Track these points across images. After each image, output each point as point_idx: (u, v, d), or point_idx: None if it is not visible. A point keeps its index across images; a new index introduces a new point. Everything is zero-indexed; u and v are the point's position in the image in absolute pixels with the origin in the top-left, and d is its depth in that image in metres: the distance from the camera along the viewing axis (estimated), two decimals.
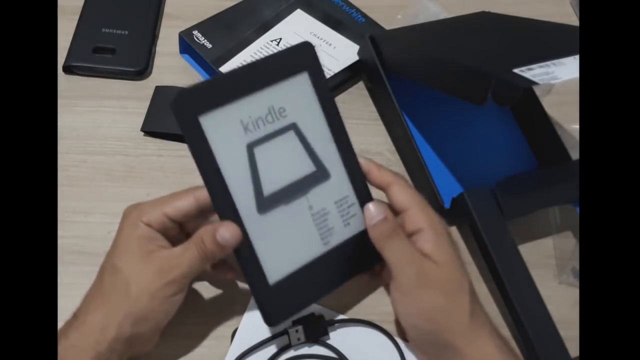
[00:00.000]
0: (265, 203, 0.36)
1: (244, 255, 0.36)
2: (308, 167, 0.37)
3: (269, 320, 0.37)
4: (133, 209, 0.38)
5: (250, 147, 0.35)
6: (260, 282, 0.36)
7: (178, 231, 0.38)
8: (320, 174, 0.38)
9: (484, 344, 0.36)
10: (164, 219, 0.37)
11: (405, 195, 0.38)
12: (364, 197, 0.39)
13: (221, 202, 0.35)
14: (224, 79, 0.37)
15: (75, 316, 0.36)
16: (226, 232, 0.35)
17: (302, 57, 0.37)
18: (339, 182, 0.38)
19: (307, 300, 0.39)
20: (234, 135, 0.35)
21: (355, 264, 0.39)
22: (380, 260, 0.37)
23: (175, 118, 0.34)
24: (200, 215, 0.38)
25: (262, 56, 0.54)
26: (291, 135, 0.37)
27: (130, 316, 0.35)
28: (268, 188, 0.36)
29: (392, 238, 0.36)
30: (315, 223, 0.37)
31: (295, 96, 0.37)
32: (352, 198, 0.38)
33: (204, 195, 0.36)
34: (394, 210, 0.38)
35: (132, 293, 0.35)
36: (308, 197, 0.37)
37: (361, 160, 0.39)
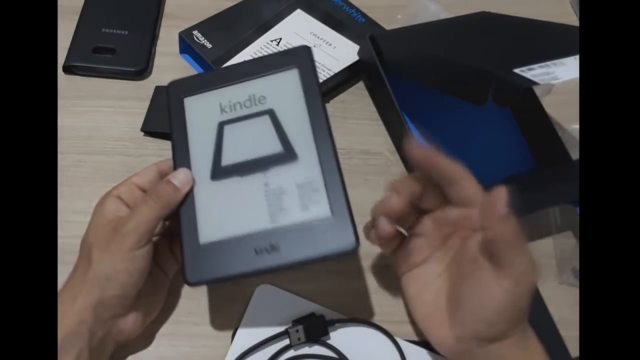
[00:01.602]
0: (221, 172, 0.39)
1: (184, 212, 0.38)
2: (274, 148, 0.39)
3: (187, 276, 0.37)
4: (106, 192, 0.40)
5: (221, 125, 0.40)
6: (191, 239, 0.37)
7: None
8: (286, 156, 0.38)
9: (533, 337, 0.36)
10: (132, 187, 0.40)
11: (477, 189, 0.36)
12: (335, 187, 0.37)
13: (179, 164, 0.40)
14: (216, 72, 0.43)
15: None
16: (180, 173, 0.38)
17: (297, 56, 0.41)
18: (307, 166, 0.38)
19: (237, 270, 0.37)
20: (209, 114, 0.41)
21: (310, 249, 0.36)
22: (348, 255, 0.35)
23: (166, 98, 0.42)
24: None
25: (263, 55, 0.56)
26: (265, 119, 0.40)
27: (94, 280, 0.36)
28: (227, 159, 0.39)
29: (517, 243, 0.33)
30: (266, 200, 0.37)
31: (279, 87, 0.40)
32: (319, 184, 0.37)
33: (164, 164, 0.41)
34: (460, 205, 0.37)
35: (93, 257, 0.36)
36: (266, 174, 0.38)
37: (424, 150, 0.37)
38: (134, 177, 0.40)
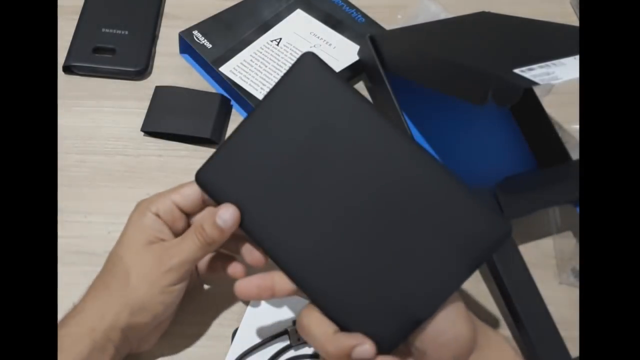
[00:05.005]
0: None
1: None
2: None
3: None
4: (144, 199, 0.38)
5: None
6: None
7: (185, 224, 0.38)
8: None
9: (501, 341, 0.36)
10: (172, 207, 0.37)
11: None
12: None
13: None
14: None
15: (75, 307, 0.36)
16: (225, 213, 0.35)
17: None
18: None
19: None
20: None
21: None
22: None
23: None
24: (205, 206, 0.38)
25: (261, 56, 0.55)
26: None
27: (128, 305, 0.35)
28: None
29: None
30: None
31: None
32: None
33: None
34: None
35: (132, 282, 0.36)
36: None
37: None
38: (173, 194, 0.38)
